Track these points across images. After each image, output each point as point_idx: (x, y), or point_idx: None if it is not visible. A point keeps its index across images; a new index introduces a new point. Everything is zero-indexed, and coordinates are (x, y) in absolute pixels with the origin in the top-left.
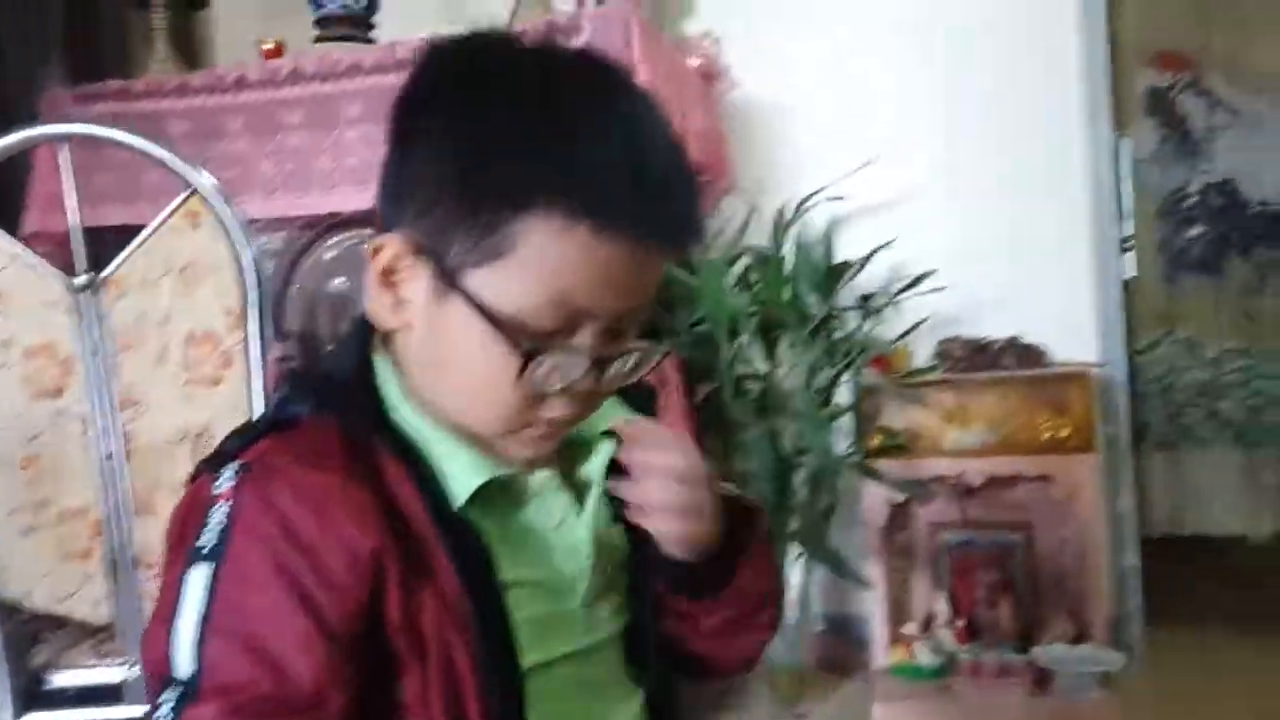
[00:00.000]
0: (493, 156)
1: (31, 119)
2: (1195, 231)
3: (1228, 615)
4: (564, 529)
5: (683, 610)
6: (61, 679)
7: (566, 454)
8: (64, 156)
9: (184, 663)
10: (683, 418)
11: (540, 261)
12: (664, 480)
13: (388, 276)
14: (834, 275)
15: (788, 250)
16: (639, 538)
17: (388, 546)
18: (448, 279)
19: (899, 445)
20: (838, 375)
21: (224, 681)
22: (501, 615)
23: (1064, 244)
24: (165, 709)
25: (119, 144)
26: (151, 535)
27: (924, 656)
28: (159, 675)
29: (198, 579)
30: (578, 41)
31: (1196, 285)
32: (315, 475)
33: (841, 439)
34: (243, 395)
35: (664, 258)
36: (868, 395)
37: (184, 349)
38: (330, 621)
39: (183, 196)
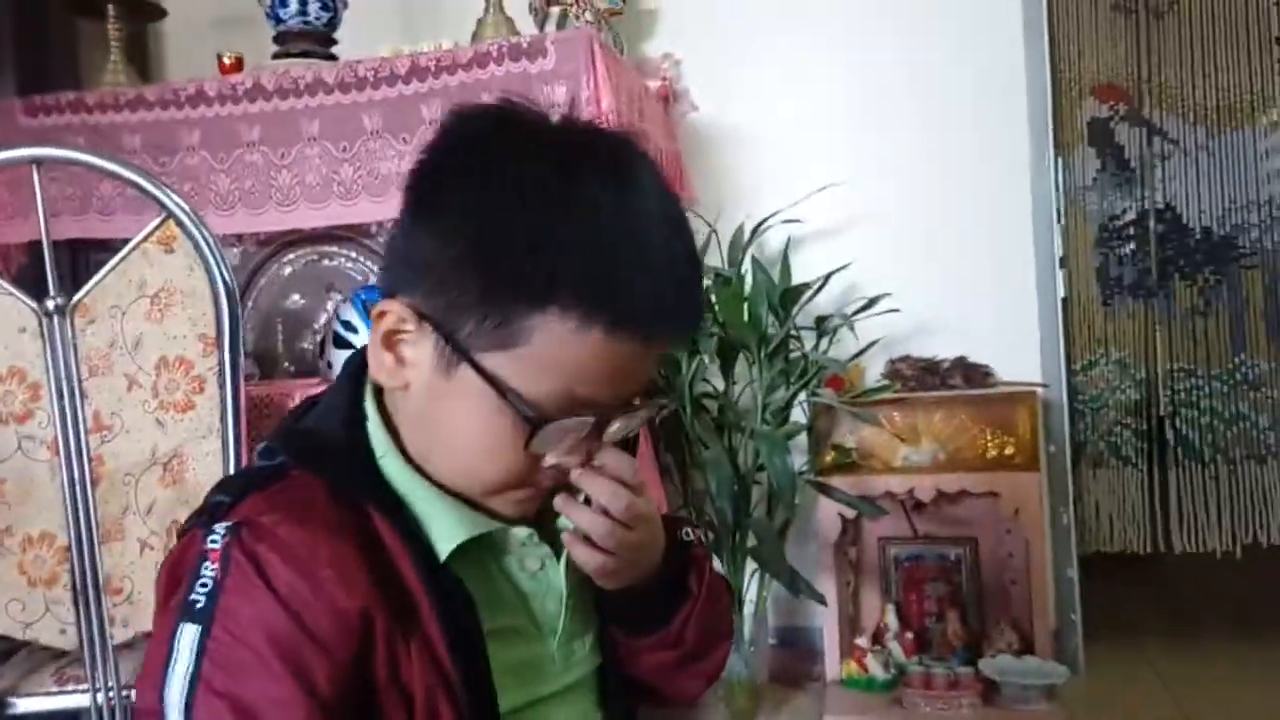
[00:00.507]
0: (510, 250)
1: None
2: (1134, 257)
3: (1160, 628)
4: (541, 575)
5: (624, 643)
6: (24, 705)
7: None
8: (37, 179)
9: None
10: (643, 436)
11: (552, 357)
12: (593, 514)
13: (390, 338)
14: (791, 297)
15: (745, 271)
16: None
17: (375, 602)
18: (459, 353)
19: (851, 462)
20: (794, 394)
21: None
22: (484, 664)
23: (1009, 268)
24: None
25: (93, 168)
26: (120, 562)
27: (876, 669)
28: None
29: (188, 638)
30: (543, 65)
31: (1133, 308)
32: (302, 534)
33: (797, 456)
34: (215, 421)
35: (670, 347)
36: (822, 414)
37: (155, 374)
38: (316, 683)
39: (157, 221)
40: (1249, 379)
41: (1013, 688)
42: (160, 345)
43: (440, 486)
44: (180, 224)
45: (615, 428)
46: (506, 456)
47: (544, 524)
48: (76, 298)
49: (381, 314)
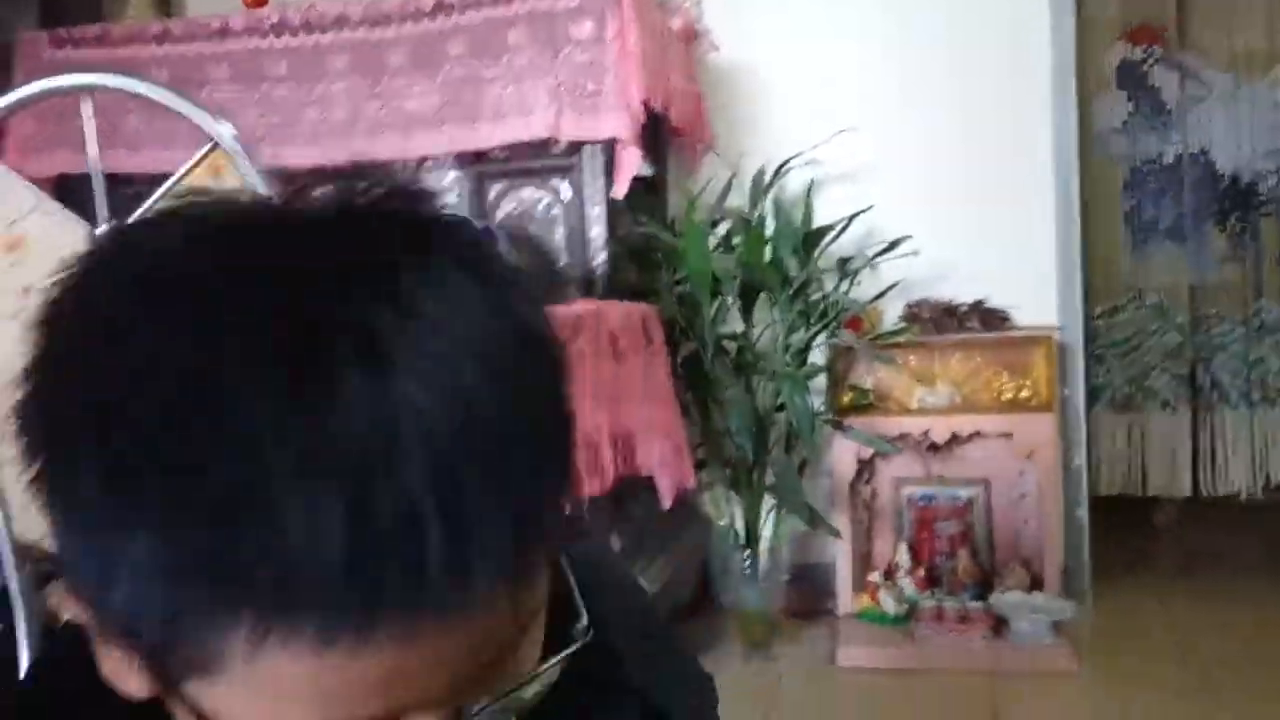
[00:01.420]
0: (141, 536)
1: (4, 64)
2: (1166, 201)
3: (1167, 566)
4: None
5: None
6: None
7: None
8: (86, 107)
9: None
10: (667, 377)
11: (265, 686)
12: None
13: (98, 642)
14: (813, 239)
15: (766, 213)
16: None
17: None
18: (168, 684)
19: (868, 404)
20: (814, 336)
21: None
22: None
23: (1030, 212)
24: None
25: (140, 95)
26: None
27: (888, 603)
28: None
29: None
30: (568, 1)
31: (1167, 253)
32: None
33: (814, 398)
34: None
35: (464, 621)
36: (841, 355)
37: None
38: None
39: (206, 149)
40: (1265, 324)
41: (1022, 622)
42: None
43: None
44: (228, 153)
45: None
46: None
47: None
48: (129, 222)
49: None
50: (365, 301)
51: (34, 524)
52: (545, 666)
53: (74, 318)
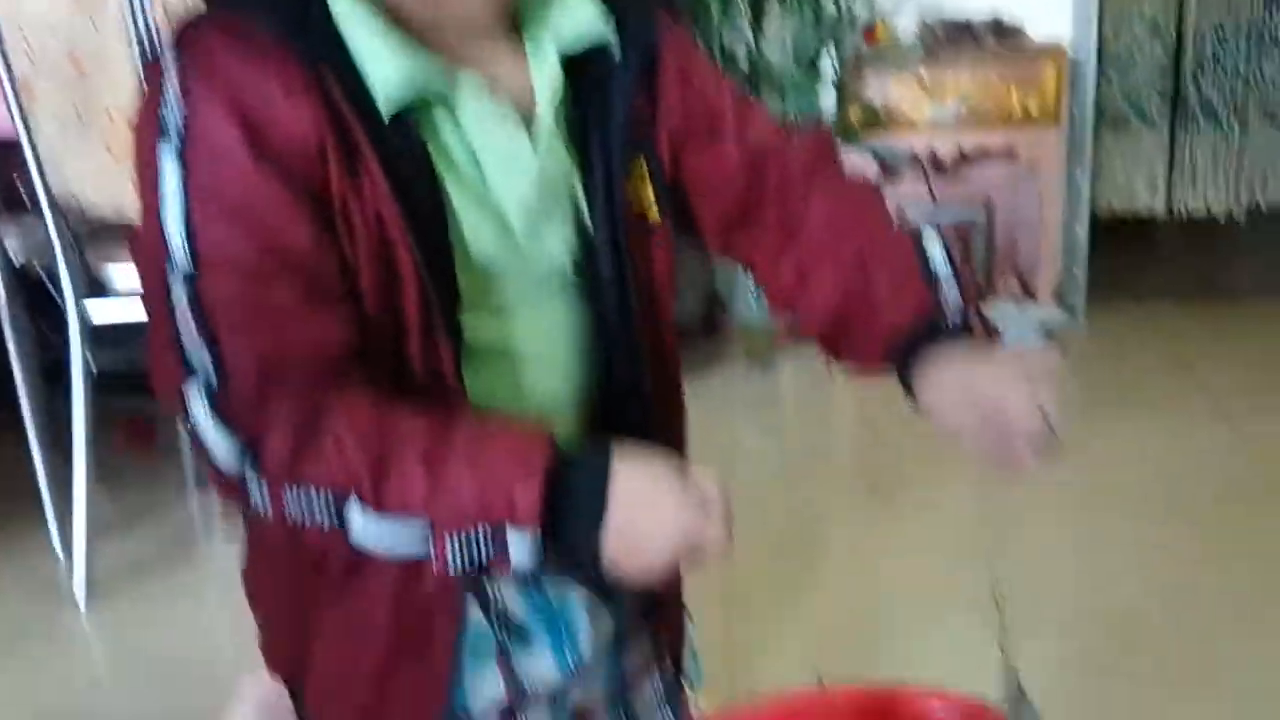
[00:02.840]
0: None
1: None
2: None
3: (1164, 288)
4: (508, 151)
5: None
6: (114, 271)
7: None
8: None
9: (180, 248)
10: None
11: None
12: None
13: None
14: None
15: None
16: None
17: (328, 140)
18: None
19: (877, 121)
20: (824, 45)
21: (223, 254)
22: (440, 223)
23: None
24: (178, 290)
25: None
26: None
27: None
28: (157, 264)
29: (169, 167)
30: None
31: None
32: (256, 62)
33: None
34: None
35: None
36: (851, 69)
37: None
38: (303, 188)
39: None
40: (1275, 37)
41: (1010, 329)
42: None
43: (389, 24)
44: None
45: None
46: None
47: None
48: None
49: None
50: None
51: (71, 176)
52: None
53: None
